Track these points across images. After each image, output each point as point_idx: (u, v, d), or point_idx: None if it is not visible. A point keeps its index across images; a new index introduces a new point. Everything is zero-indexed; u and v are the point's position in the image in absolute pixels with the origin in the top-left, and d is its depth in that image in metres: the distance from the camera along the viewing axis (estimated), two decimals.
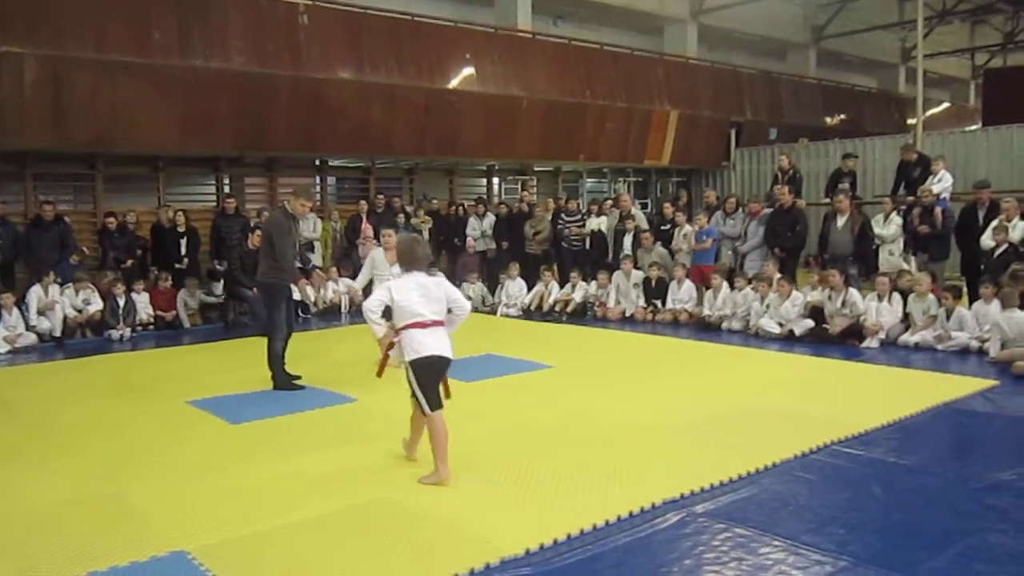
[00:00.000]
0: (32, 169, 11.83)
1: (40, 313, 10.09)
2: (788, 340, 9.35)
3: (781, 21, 22.07)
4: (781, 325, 9.55)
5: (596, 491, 4.52)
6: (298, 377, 7.28)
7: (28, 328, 9.91)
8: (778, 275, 10.03)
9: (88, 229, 11.83)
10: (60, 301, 10.24)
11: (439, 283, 4.99)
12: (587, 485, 4.62)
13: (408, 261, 4.95)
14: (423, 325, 4.74)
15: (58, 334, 10.10)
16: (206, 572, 3.61)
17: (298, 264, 7.39)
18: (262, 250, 7.35)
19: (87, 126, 10.80)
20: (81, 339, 10.36)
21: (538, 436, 5.65)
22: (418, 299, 4.76)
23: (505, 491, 4.58)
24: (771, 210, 11.36)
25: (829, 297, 9.34)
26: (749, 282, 10.23)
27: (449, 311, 4.90)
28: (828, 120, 21.00)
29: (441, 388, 4.81)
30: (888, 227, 10.74)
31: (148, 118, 11.11)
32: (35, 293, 10.11)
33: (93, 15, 10.64)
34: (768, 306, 9.79)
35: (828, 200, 11.59)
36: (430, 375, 4.74)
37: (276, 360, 7.23)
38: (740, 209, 11.92)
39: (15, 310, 9.86)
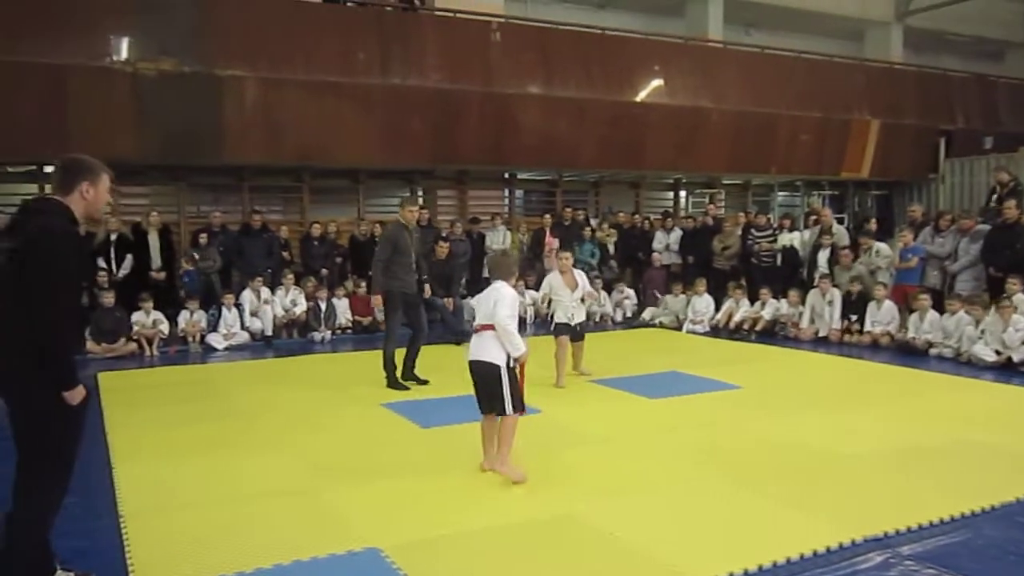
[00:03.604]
0: (249, 182, 12.90)
1: (253, 314, 10.95)
2: (1006, 369, 8.53)
3: (997, 20, 20.27)
4: (998, 353, 8.73)
5: (789, 521, 4.30)
6: (425, 381, 7.79)
7: (243, 327, 10.78)
8: (1018, 294, 9.07)
9: (296, 238, 12.72)
10: (272, 302, 11.06)
11: (499, 293, 5.06)
12: (779, 514, 4.41)
13: (491, 272, 5.50)
14: (475, 330, 5.15)
15: (269, 333, 10.90)
16: (397, 570, 3.75)
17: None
18: (377, 262, 7.75)
19: (296, 142, 11.62)
20: (287, 339, 11.13)
21: (726, 459, 5.46)
22: (490, 304, 5.04)
23: (692, 515, 4.45)
24: (988, 227, 10.44)
25: None
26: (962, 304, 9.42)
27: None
28: None
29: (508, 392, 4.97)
30: None
31: (350, 134, 11.84)
32: (247, 296, 10.98)
33: (305, 39, 11.45)
34: (983, 331, 8.97)
35: None
36: (472, 378, 5.09)
37: (388, 363, 7.73)
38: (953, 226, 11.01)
39: (233, 310, 10.76)
